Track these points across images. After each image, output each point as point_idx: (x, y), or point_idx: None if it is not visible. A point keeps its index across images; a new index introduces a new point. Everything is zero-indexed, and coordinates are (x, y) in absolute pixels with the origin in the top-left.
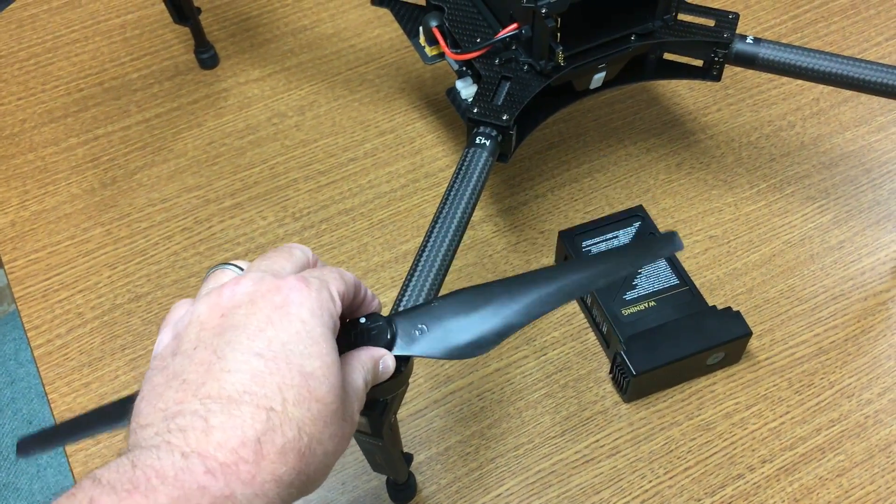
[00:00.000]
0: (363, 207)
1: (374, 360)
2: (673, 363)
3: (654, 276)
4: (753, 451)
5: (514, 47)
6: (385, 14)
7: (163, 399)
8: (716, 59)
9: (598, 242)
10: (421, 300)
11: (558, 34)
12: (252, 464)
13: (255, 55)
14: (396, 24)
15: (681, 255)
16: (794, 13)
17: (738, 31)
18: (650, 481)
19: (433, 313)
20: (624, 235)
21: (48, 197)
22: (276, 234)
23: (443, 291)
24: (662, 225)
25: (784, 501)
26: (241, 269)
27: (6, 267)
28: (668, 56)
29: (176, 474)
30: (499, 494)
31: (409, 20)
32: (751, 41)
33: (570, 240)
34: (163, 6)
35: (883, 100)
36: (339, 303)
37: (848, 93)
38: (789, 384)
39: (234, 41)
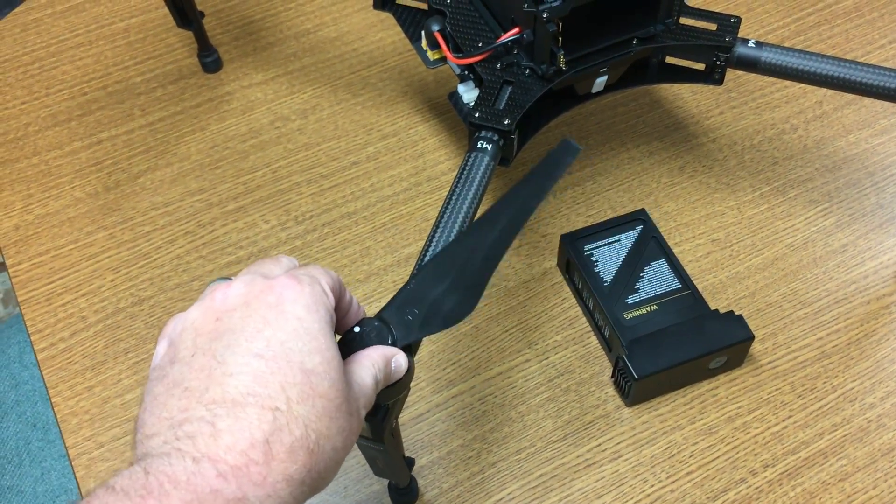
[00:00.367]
0: (366, 211)
1: (386, 358)
2: (675, 367)
3: (656, 280)
4: (756, 455)
5: (515, 51)
6: (388, 18)
7: (167, 408)
8: (718, 62)
9: (601, 246)
10: None
11: (560, 38)
12: (262, 465)
13: (258, 59)
14: (399, 28)
15: (683, 259)
16: (798, 16)
17: (740, 35)
18: (652, 485)
19: (414, 296)
20: (626, 239)
21: (52, 201)
22: (279, 238)
23: None
24: (665, 228)
25: None
26: None
27: (10, 270)
28: (670, 60)
29: (188, 479)
30: (500, 499)
31: (412, 24)
32: (753, 45)
33: (572, 243)
34: (166, 10)
35: (886, 103)
36: (331, 296)
37: (851, 96)
38: (792, 388)
39: (237, 45)
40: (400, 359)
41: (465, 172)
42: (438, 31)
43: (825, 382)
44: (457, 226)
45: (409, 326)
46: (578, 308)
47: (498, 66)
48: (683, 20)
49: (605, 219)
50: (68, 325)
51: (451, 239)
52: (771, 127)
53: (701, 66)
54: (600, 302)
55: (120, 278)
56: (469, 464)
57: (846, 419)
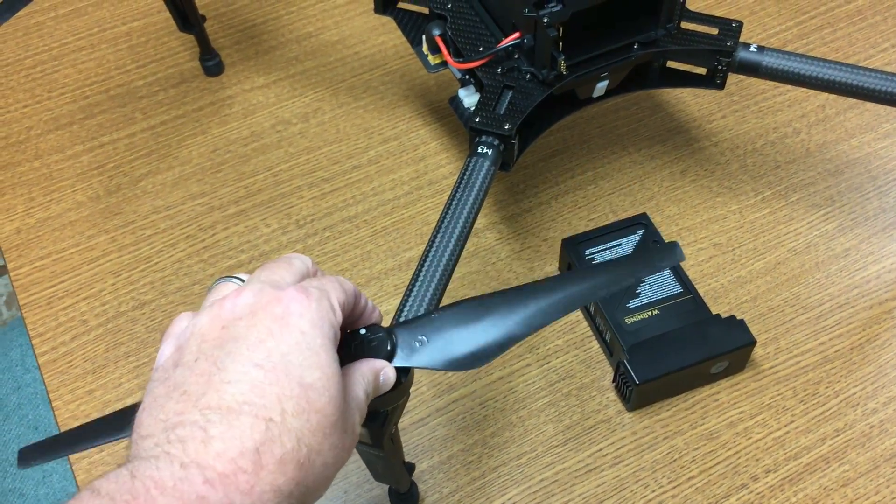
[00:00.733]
0: (367, 215)
1: (375, 371)
2: (676, 372)
3: (657, 285)
4: (758, 460)
5: (516, 56)
6: (389, 22)
7: (164, 410)
8: (719, 67)
9: (602, 250)
10: (423, 308)
11: (560, 43)
12: (251, 474)
13: (259, 62)
14: (400, 32)
15: (685, 264)
16: (800, 19)
17: (742, 39)
18: (653, 491)
19: (434, 324)
20: (627, 243)
21: (53, 204)
22: (280, 242)
23: (446, 299)
24: (666, 233)
25: None
26: (244, 281)
27: (11, 274)
28: (671, 64)
29: (175, 485)
30: (501, 503)
31: (413, 28)
32: (754, 49)
33: (573, 247)
34: (168, 14)
35: (889, 107)
36: (339, 312)
37: (853, 99)
38: (794, 393)
39: (238, 48)
40: (388, 372)
41: (465, 177)
42: (439, 35)
43: (827, 387)
44: (457, 230)
45: (414, 351)
46: (579, 312)
47: (499, 70)
48: (685, 24)
49: (606, 222)
50: (69, 329)
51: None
52: (773, 130)
53: (702, 71)
54: (601, 307)
55: (121, 282)
56: (470, 469)
57: (848, 424)
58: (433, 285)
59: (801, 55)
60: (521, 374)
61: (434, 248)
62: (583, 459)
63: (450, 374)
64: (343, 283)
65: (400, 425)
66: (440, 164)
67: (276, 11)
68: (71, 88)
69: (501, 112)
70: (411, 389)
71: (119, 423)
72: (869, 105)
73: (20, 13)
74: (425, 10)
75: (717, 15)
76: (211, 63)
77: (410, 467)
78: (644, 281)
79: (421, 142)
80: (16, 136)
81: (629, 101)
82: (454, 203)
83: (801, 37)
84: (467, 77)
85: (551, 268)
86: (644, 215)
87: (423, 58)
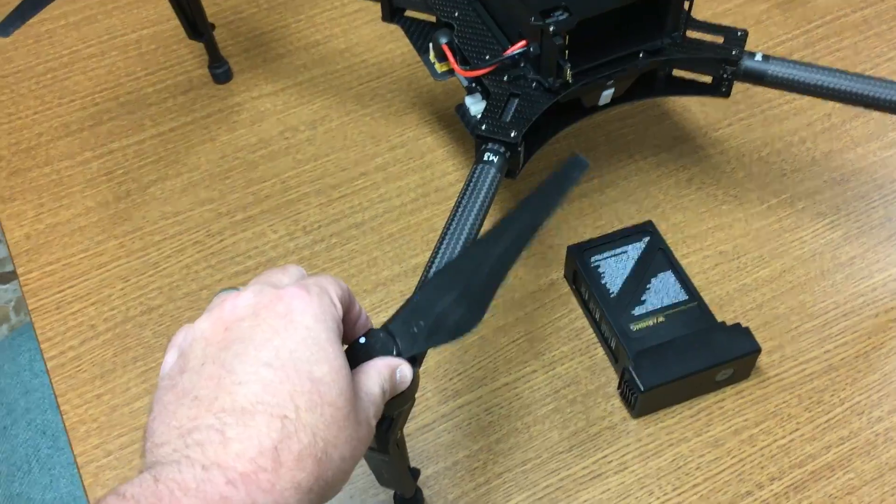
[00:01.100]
0: (373, 221)
1: (391, 368)
2: (681, 379)
3: (662, 292)
4: (762, 468)
5: (522, 64)
6: (396, 30)
7: (176, 417)
8: (724, 75)
9: (608, 257)
10: None
11: (566, 51)
12: (271, 472)
13: (268, 70)
14: (407, 40)
15: (690, 271)
16: (806, 28)
17: (748, 47)
18: (658, 498)
19: (420, 307)
20: (633, 250)
21: (63, 210)
22: (287, 248)
23: None
24: (672, 240)
25: None
26: None
27: (21, 279)
28: (677, 72)
29: (198, 486)
30: None
31: (420, 36)
32: (759, 58)
33: (579, 255)
34: (178, 22)
35: (895, 116)
36: (339, 306)
37: (859, 108)
38: (799, 401)
39: (247, 56)
40: (405, 369)
41: (471, 184)
42: (446, 43)
43: (832, 395)
44: (463, 237)
45: (415, 338)
46: (585, 319)
47: (505, 78)
48: (690, 33)
49: (612, 230)
50: (78, 334)
51: (457, 251)
52: (779, 139)
53: (708, 79)
54: (607, 313)
55: (129, 287)
56: (475, 475)
57: (853, 432)
58: None
59: (807, 64)
60: (527, 380)
61: (440, 255)
62: (587, 466)
63: (455, 380)
64: (338, 281)
65: (405, 431)
66: (447, 171)
67: (284, 20)
68: (81, 95)
69: (507, 120)
70: (417, 395)
71: None
72: (875, 114)
73: (31, 21)
74: (432, 19)
75: (723, 24)
76: (220, 70)
77: (416, 473)
78: (649, 288)
79: (428, 149)
80: (26, 142)
81: (635, 109)
82: (460, 210)
83: (807, 46)
84: (474, 85)
85: (556, 274)
86: (650, 223)
87: (429, 66)
